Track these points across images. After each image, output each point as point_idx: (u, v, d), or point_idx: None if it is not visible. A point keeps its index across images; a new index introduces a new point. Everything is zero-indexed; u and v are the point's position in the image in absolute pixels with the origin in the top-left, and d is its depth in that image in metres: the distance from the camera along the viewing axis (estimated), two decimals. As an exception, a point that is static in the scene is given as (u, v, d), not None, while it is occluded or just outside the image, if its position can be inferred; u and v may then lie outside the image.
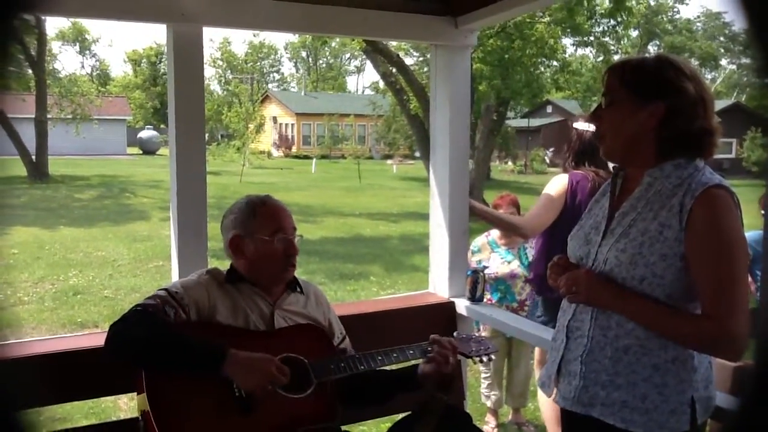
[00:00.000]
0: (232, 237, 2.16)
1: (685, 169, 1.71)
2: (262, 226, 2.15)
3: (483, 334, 2.54)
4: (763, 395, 0.67)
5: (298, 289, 2.28)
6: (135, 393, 1.97)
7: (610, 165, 2.01)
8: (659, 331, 1.69)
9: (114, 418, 4.37)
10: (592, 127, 2.66)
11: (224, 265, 2.24)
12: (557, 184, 3.36)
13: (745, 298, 1.64)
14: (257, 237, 2.14)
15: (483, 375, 4.57)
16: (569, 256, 1.91)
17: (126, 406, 4.60)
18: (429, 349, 2.19)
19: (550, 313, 3.33)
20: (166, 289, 2.07)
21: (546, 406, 3.64)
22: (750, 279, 3.49)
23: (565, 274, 1.83)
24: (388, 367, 2.25)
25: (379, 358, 2.17)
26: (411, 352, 2.22)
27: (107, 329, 1.97)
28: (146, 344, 1.93)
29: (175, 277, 2.59)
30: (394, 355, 2.20)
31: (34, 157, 23.04)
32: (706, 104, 1.72)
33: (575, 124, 3.43)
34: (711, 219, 1.64)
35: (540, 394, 3.59)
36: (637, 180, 1.80)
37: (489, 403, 4.53)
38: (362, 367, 2.13)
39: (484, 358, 2.41)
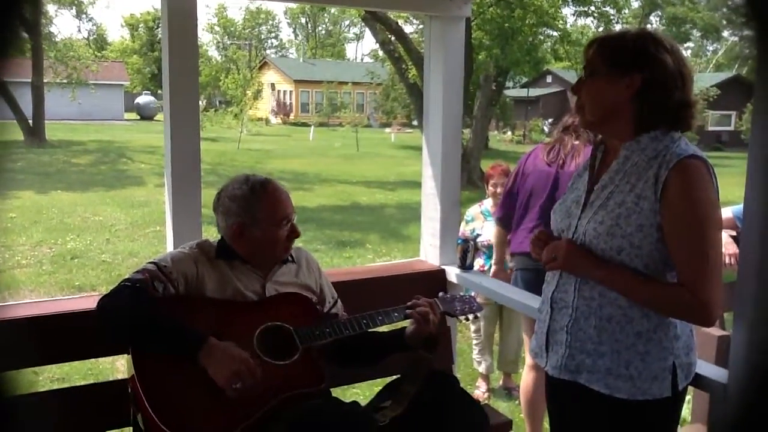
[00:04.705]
0: (236, 224, 2.14)
1: (661, 141, 1.75)
2: (268, 214, 2.14)
3: (477, 299, 2.59)
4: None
5: (290, 259, 2.29)
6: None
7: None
8: (635, 299, 1.75)
9: (111, 379, 4.45)
10: None
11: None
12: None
13: (718, 266, 1.68)
14: (264, 226, 2.13)
15: (474, 341, 4.65)
16: (552, 230, 1.95)
17: (123, 367, 4.67)
18: (408, 311, 2.24)
19: (527, 286, 3.37)
20: (155, 263, 2.08)
21: (525, 387, 3.62)
22: (735, 250, 3.53)
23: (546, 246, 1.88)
24: (380, 329, 2.30)
25: (364, 321, 2.22)
26: (396, 314, 2.27)
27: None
28: (129, 326, 1.97)
29: (170, 241, 2.63)
30: (380, 318, 2.24)
31: (31, 122, 22.91)
32: (685, 78, 1.75)
33: None
34: (684, 189, 1.68)
35: (524, 375, 3.66)
36: (615, 154, 1.83)
37: (480, 369, 4.62)
38: (347, 332, 2.18)
39: (470, 317, 2.45)
